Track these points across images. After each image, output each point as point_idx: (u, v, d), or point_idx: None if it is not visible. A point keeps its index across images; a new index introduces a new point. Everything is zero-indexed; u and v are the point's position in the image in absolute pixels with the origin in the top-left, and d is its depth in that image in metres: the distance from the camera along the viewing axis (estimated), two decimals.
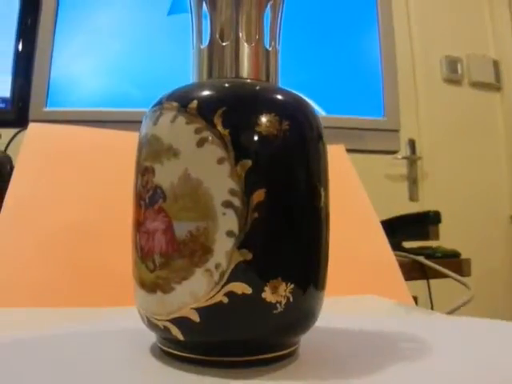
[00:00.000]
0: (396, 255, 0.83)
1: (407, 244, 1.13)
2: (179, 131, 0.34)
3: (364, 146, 1.08)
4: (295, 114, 0.35)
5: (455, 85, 2.43)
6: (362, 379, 0.33)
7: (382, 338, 0.43)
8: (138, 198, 0.35)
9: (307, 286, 0.35)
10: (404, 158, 2.23)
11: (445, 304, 0.74)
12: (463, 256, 1.13)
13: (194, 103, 0.34)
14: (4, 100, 0.99)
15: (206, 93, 0.35)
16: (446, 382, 0.33)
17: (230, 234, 0.32)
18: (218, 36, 0.37)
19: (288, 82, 1.06)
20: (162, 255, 0.33)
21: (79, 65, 1.02)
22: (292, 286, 0.33)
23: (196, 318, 0.33)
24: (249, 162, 0.32)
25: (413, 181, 2.27)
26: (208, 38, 0.37)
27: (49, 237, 0.66)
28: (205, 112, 0.33)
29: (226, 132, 0.33)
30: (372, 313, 0.59)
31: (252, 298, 0.32)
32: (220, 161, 0.32)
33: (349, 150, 0.96)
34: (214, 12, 0.37)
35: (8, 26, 1.00)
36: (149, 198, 0.34)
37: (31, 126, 0.81)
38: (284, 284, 0.33)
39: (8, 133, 1.01)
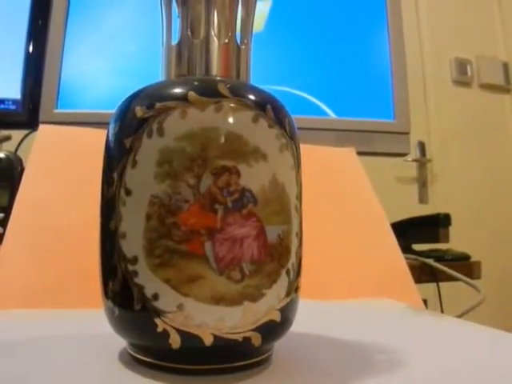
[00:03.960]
0: (406, 258, 0.83)
1: (417, 246, 1.12)
2: (264, 134, 0.34)
3: (374, 148, 1.08)
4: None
5: (465, 87, 2.43)
6: None
7: (384, 343, 0.43)
8: (209, 200, 0.32)
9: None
10: (414, 160, 2.22)
11: (455, 307, 0.73)
12: (473, 259, 1.12)
13: (269, 107, 0.35)
14: (15, 102, 0.99)
15: (266, 95, 0.36)
16: None
17: (296, 234, 0.36)
18: (188, 33, 0.37)
19: (298, 84, 1.06)
20: (252, 262, 0.33)
21: (90, 66, 1.02)
22: None
23: (278, 318, 0.34)
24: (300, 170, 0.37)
25: (423, 183, 2.27)
26: (178, 35, 0.37)
27: (59, 237, 0.66)
28: (279, 118, 0.35)
29: (291, 141, 0.36)
30: (380, 316, 0.59)
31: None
32: (291, 168, 0.36)
33: (359, 153, 0.96)
34: (184, 8, 0.37)
35: (19, 28, 1.00)
36: (233, 201, 0.32)
37: (41, 127, 0.81)
38: None
39: (18, 134, 1.01)
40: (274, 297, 0.34)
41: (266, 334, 0.34)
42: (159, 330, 0.32)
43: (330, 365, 0.37)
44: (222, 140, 0.33)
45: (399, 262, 0.80)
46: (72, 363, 0.36)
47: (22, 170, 0.79)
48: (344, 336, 0.44)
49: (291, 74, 1.07)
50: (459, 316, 0.70)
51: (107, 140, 0.36)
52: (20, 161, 0.83)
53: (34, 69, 0.99)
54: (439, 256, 1.08)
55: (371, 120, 1.09)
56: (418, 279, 0.83)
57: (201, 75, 0.36)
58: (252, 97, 0.34)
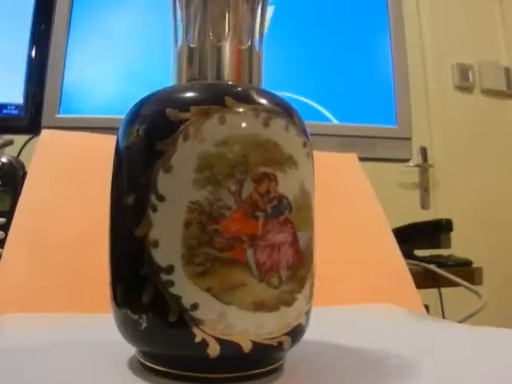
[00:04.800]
0: (408, 263, 0.83)
1: (419, 252, 1.12)
2: (294, 142, 0.35)
3: (376, 154, 1.08)
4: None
5: (467, 92, 2.43)
6: None
7: (387, 348, 0.43)
8: (251, 207, 0.32)
9: None
10: (416, 165, 2.23)
11: (456, 313, 0.73)
12: (475, 264, 1.12)
13: (296, 115, 0.35)
14: (17, 106, 0.99)
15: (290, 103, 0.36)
16: None
17: (312, 239, 0.36)
18: (199, 36, 0.36)
19: (300, 90, 1.06)
20: (288, 268, 0.33)
21: (93, 71, 1.02)
22: None
23: (304, 321, 0.35)
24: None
25: (424, 189, 2.27)
26: (189, 38, 0.36)
27: (61, 242, 0.66)
28: (302, 126, 0.36)
29: (311, 149, 0.37)
30: (383, 322, 0.59)
31: None
32: (313, 175, 0.37)
33: (361, 159, 0.96)
34: (195, 11, 0.36)
35: (21, 32, 1.00)
36: (272, 208, 0.33)
37: (44, 132, 0.81)
38: None
39: (21, 139, 1.02)
40: (303, 301, 0.34)
41: (294, 338, 0.34)
42: (197, 340, 0.31)
43: (343, 371, 0.37)
44: (262, 147, 0.33)
45: (401, 268, 0.80)
46: (80, 371, 0.36)
47: (24, 174, 0.79)
48: (351, 342, 0.44)
49: (293, 79, 1.07)
50: (461, 321, 0.70)
51: (127, 143, 0.34)
52: (22, 165, 0.83)
53: (37, 73, 1.00)
54: (441, 262, 1.08)
55: (373, 126, 1.09)
56: (420, 285, 0.83)
57: (212, 79, 0.36)
58: (282, 104, 0.35)
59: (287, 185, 0.33)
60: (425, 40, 2.34)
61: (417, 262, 1.02)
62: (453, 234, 1.12)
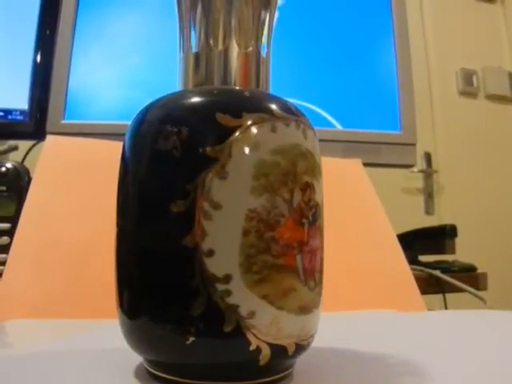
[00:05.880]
0: (412, 269, 0.83)
1: (423, 258, 1.12)
2: (319, 151, 0.36)
3: (380, 159, 1.08)
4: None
5: (471, 97, 2.42)
6: None
7: (392, 355, 0.43)
8: (299, 215, 0.33)
9: None
10: (420, 171, 2.22)
11: None
12: (480, 270, 1.12)
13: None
14: (22, 112, 0.99)
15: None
16: None
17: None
18: (206, 41, 0.36)
19: (305, 96, 1.06)
20: (319, 271, 0.35)
21: (98, 77, 1.02)
22: None
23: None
24: None
25: (429, 194, 2.26)
26: (196, 44, 0.36)
27: (65, 248, 0.67)
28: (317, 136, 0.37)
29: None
30: (389, 327, 0.59)
31: None
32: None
33: (365, 164, 0.96)
34: (202, 16, 0.36)
35: (26, 38, 1.00)
36: (312, 215, 0.34)
37: (49, 138, 0.81)
38: None
39: (25, 144, 1.02)
40: (321, 302, 0.35)
41: (313, 339, 0.35)
42: (252, 347, 0.31)
43: (353, 378, 0.37)
44: (304, 157, 0.34)
45: (405, 273, 0.80)
46: (85, 378, 0.35)
47: (29, 180, 0.79)
48: (358, 348, 0.44)
49: (298, 85, 1.07)
50: None
51: (160, 146, 0.32)
52: (27, 171, 0.83)
53: (42, 79, 1.00)
54: (445, 267, 1.08)
55: (378, 131, 1.09)
56: (425, 290, 0.83)
57: (219, 85, 0.35)
58: (304, 114, 0.35)
59: (319, 193, 0.35)
60: (429, 46, 2.34)
61: (421, 268, 1.02)
62: (457, 240, 1.11)
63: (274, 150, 0.32)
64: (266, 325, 0.31)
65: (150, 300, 0.32)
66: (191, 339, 0.30)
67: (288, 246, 0.32)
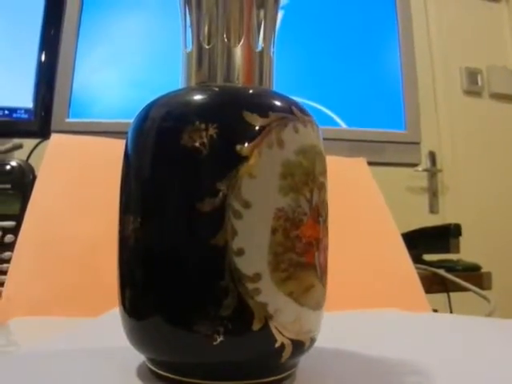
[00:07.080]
0: (416, 268, 0.83)
1: (428, 257, 1.12)
2: (324, 151, 0.36)
3: (385, 158, 1.08)
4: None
5: (475, 96, 2.42)
6: None
7: (396, 356, 0.43)
8: (315, 213, 0.33)
9: None
10: (424, 170, 2.22)
11: None
12: (484, 269, 1.12)
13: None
14: (27, 111, 0.99)
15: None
16: None
17: None
18: (208, 38, 0.35)
19: (309, 94, 1.06)
20: (325, 267, 0.35)
21: (102, 76, 1.02)
22: None
23: None
24: None
25: (433, 193, 2.26)
26: (197, 41, 0.36)
27: (70, 246, 0.67)
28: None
29: None
30: (392, 326, 0.59)
31: None
32: None
33: (370, 163, 0.96)
34: (204, 13, 0.35)
35: (31, 37, 1.01)
36: (325, 214, 0.35)
37: (53, 136, 0.81)
38: None
39: (30, 143, 1.02)
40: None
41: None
42: (277, 344, 0.31)
43: (354, 378, 0.37)
44: (320, 157, 0.35)
45: (410, 272, 0.80)
46: (88, 377, 0.35)
47: (34, 178, 0.79)
48: (360, 348, 0.44)
49: (302, 84, 1.07)
50: None
51: (186, 143, 0.31)
52: (32, 169, 0.83)
53: (46, 78, 1.00)
54: (450, 266, 1.08)
55: (382, 130, 1.09)
56: (429, 289, 0.83)
57: (221, 82, 0.35)
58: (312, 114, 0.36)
59: (327, 193, 0.35)
60: (433, 45, 2.33)
61: (426, 267, 1.02)
62: (462, 239, 1.11)
63: (297, 150, 0.32)
64: (291, 321, 0.32)
65: (165, 301, 0.32)
66: (219, 339, 0.30)
67: (309, 244, 0.32)
